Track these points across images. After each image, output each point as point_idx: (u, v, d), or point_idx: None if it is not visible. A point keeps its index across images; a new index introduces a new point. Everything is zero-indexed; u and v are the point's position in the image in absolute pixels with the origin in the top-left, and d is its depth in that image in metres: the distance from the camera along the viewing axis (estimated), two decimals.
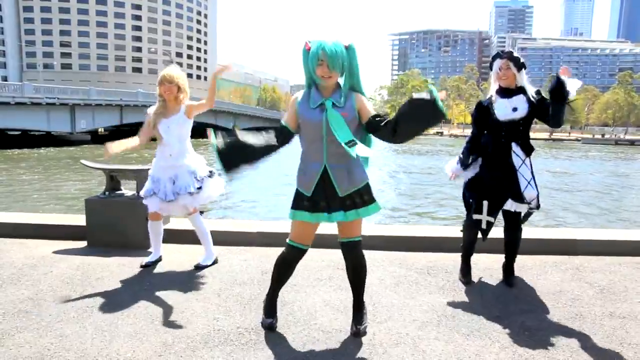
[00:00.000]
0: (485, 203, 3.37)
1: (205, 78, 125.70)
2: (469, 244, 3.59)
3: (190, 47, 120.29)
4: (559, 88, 3.01)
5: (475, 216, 3.42)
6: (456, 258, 4.10)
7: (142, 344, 2.54)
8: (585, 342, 2.64)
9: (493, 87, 3.44)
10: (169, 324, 2.79)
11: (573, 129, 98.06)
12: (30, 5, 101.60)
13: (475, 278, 3.64)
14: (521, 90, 3.32)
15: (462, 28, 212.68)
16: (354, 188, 2.53)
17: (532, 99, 3.28)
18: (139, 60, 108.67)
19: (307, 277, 3.56)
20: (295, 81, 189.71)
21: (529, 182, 3.32)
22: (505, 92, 3.34)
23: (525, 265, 3.91)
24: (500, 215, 3.44)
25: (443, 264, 3.94)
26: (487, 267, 3.88)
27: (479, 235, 3.50)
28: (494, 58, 3.39)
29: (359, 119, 2.51)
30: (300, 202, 2.58)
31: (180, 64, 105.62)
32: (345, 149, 2.39)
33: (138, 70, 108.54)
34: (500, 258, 3.99)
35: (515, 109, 3.28)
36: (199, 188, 3.66)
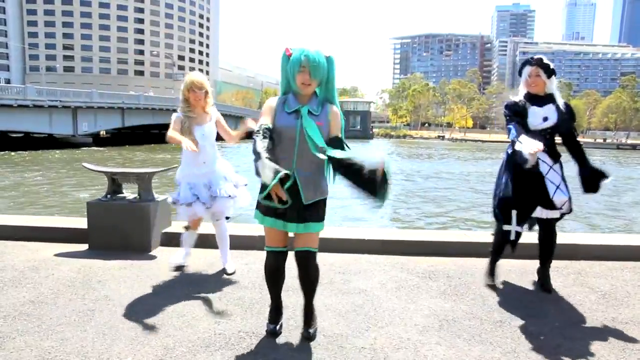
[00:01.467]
0: (513, 213, 3.35)
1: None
2: (498, 248, 3.56)
3: (192, 51, 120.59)
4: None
5: (505, 227, 3.40)
6: (457, 262, 4.10)
7: (143, 347, 2.54)
8: (588, 347, 2.63)
9: (522, 92, 3.42)
10: (170, 327, 2.79)
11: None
12: (34, 8, 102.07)
13: (477, 282, 3.63)
14: (551, 98, 3.32)
15: (464, 32, 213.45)
16: (317, 198, 2.52)
17: (562, 108, 3.30)
18: (142, 63, 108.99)
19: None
20: None
21: (558, 187, 3.30)
22: (536, 100, 3.32)
23: (527, 270, 3.90)
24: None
25: (444, 269, 3.94)
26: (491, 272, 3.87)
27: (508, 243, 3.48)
28: (524, 64, 3.39)
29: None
30: (260, 205, 2.54)
31: (182, 67, 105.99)
32: (316, 155, 2.36)
33: (140, 73, 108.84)
34: (503, 263, 3.98)
35: (545, 119, 3.29)
36: (235, 195, 3.68)
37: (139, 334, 2.69)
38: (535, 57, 3.37)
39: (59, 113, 37.65)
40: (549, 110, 3.29)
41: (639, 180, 24.69)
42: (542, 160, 3.32)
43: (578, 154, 3.36)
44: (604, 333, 2.82)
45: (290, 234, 2.65)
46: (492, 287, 3.53)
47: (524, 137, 3.08)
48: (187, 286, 3.47)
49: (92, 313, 2.96)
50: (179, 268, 3.79)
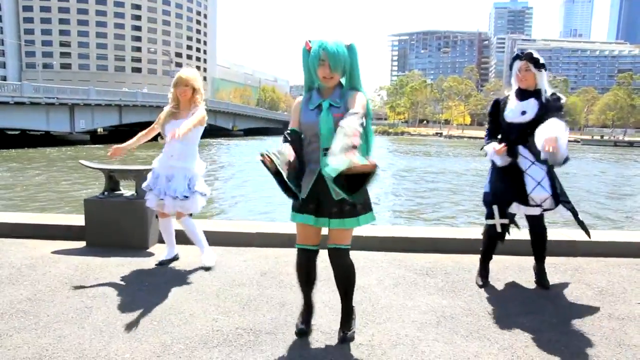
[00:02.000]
0: (495, 207, 3.37)
1: (205, 78, 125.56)
2: (486, 247, 3.58)
3: (189, 47, 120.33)
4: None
5: (489, 221, 3.42)
6: (455, 259, 4.11)
7: (140, 344, 2.54)
8: (584, 343, 2.64)
9: (513, 87, 3.42)
10: (167, 324, 2.78)
11: (572, 130, 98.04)
12: (30, 4, 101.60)
13: (474, 279, 3.64)
14: (536, 93, 3.28)
15: (462, 29, 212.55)
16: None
17: (544, 101, 3.23)
18: (139, 60, 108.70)
19: None
20: (295, 81, 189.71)
21: (538, 183, 3.26)
22: (521, 94, 3.32)
23: (525, 267, 3.91)
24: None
25: (442, 265, 3.94)
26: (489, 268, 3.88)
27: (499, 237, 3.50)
28: (514, 59, 3.36)
29: None
30: (294, 203, 2.54)
31: (180, 64, 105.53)
32: (322, 158, 2.30)
33: (137, 70, 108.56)
34: (500, 259, 4.00)
35: (523, 113, 3.26)
36: (186, 197, 3.64)
37: (136, 331, 2.69)
38: (525, 51, 3.35)
39: (56, 110, 37.53)
40: (529, 105, 3.25)
41: (636, 177, 24.76)
42: (524, 156, 3.30)
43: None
44: (601, 329, 2.83)
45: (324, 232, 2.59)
46: (487, 285, 3.53)
47: (487, 145, 3.35)
48: (185, 283, 3.47)
49: (89, 310, 2.96)
50: (161, 264, 3.84)
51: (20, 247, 4.25)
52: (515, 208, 3.34)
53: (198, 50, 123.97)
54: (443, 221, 10.92)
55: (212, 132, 51.76)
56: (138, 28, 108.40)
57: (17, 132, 39.92)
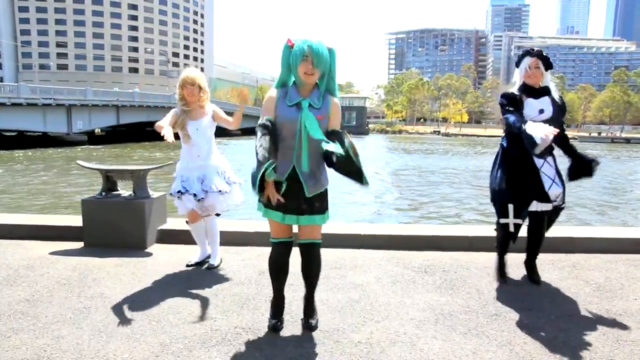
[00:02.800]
0: (510, 207, 3.36)
1: None
2: (502, 243, 3.56)
3: (187, 47, 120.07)
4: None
5: (502, 220, 3.42)
6: (453, 256, 4.11)
7: (139, 344, 2.54)
8: (582, 339, 2.65)
9: (517, 83, 3.42)
10: (166, 324, 2.78)
11: (569, 127, 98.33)
12: (26, 5, 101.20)
13: (472, 276, 3.64)
14: (546, 91, 3.31)
15: (459, 27, 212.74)
16: (319, 190, 2.55)
17: (557, 101, 3.30)
18: (136, 60, 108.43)
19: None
20: None
21: (553, 180, 3.32)
22: (531, 92, 3.32)
23: (522, 263, 3.92)
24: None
25: (440, 263, 3.95)
26: (484, 265, 3.89)
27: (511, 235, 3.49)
28: (524, 55, 3.37)
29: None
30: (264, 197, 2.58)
31: (177, 64, 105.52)
32: (319, 145, 2.39)
33: (135, 70, 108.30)
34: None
35: (541, 111, 3.28)
36: (226, 191, 3.69)
37: (135, 331, 2.69)
38: (536, 48, 3.37)
39: (53, 111, 37.43)
40: (545, 103, 3.29)
41: (633, 173, 24.82)
42: (536, 155, 3.31)
43: (566, 146, 3.36)
44: (599, 325, 2.84)
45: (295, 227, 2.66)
46: (506, 281, 3.52)
47: (532, 123, 3.05)
48: (183, 283, 3.46)
49: (87, 311, 2.95)
50: (194, 265, 3.86)
51: (18, 248, 4.24)
52: (534, 205, 3.35)
53: (195, 49, 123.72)
54: (441, 219, 10.94)
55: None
56: (135, 28, 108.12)
57: (14, 134, 39.80)
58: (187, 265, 3.84)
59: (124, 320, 2.82)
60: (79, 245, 4.35)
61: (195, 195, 3.62)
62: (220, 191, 3.65)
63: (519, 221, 3.38)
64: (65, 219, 5.14)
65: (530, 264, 3.62)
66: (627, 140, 66.71)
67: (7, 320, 2.82)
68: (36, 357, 2.39)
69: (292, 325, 2.77)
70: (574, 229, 5.19)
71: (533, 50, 3.35)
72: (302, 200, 2.52)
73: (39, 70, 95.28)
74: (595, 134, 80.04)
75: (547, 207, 3.35)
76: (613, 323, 2.86)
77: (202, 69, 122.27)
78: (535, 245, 3.56)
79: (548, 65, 3.31)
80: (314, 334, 2.67)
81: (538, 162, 3.33)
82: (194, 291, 3.30)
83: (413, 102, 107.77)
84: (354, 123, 79.92)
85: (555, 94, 3.34)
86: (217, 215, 3.91)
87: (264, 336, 2.64)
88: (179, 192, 3.66)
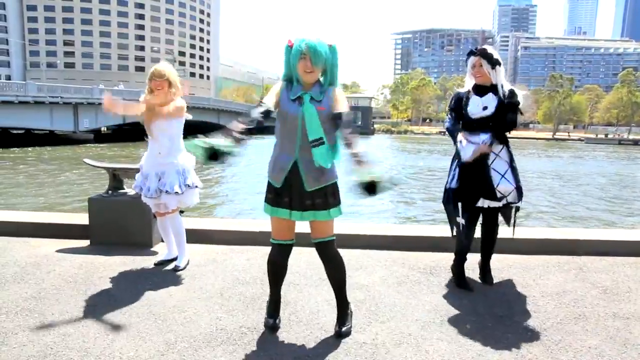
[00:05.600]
0: (459, 204, 3.36)
1: (208, 77, 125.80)
2: (458, 246, 3.53)
3: (193, 47, 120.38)
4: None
5: (458, 219, 3.41)
6: None
7: (144, 343, 2.54)
8: (589, 342, 2.63)
9: (469, 82, 3.44)
10: (171, 323, 2.79)
11: (576, 129, 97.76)
12: (34, 4, 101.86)
13: (478, 278, 3.62)
14: (493, 88, 3.31)
15: (466, 27, 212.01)
16: (320, 185, 2.50)
17: (501, 96, 3.27)
18: (142, 59, 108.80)
19: (309, 276, 3.56)
20: None
21: (503, 176, 3.28)
22: (479, 90, 3.35)
23: (528, 266, 3.90)
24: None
25: (446, 264, 3.93)
26: (491, 267, 3.86)
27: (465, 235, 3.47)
28: (469, 55, 3.40)
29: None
30: (268, 195, 2.61)
31: (183, 63, 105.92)
32: (312, 150, 2.40)
33: (141, 69, 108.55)
34: (504, 258, 3.99)
35: (485, 108, 3.29)
36: (181, 192, 3.62)
37: (140, 329, 2.70)
38: (479, 47, 3.38)
39: (59, 109, 37.66)
40: (489, 100, 3.28)
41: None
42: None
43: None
44: (606, 328, 2.82)
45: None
46: (466, 285, 3.45)
47: (464, 140, 3.29)
48: (189, 282, 3.47)
49: (93, 309, 2.97)
50: (159, 264, 3.82)
51: (24, 245, 4.26)
52: (481, 202, 3.34)
53: (201, 49, 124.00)
54: (446, 220, 10.88)
55: (215, 130, 51.68)
56: (142, 27, 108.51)
57: (21, 132, 40.08)
58: (155, 264, 3.81)
59: (130, 319, 2.83)
60: (85, 243, 4.37)
61: (149, 192, 3.62)
62: (176, 192, 3.59)
63: (462, 220, 3.35)
64: (72, 217, 5.17)
65: (483, 265, 3.60)
66: (635, 142, 66.22)
67: (14, 317, 2.84)
68: (42, 355, 2.41)
69: (297, 325, 2.77)
70: (578, 230, 5.17)
71: (477, 49, 3.36)
72: (304, 196, 2.51)
73: (47, 68, 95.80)
74: (602, 136, 79.53)
75: (496, 203, 3.31)
76: (620, 327, 2.84)
77: (207, 68, 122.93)
78: (489, 244, 3.54)
79: (494, 63, 3.27)
80: (319, 334, 2.67)
81: (490, 157, 3.30)
82: (199, 290, 3.31)
83: (418, 102, 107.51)
84: (359, 123, 79.79)
85: (504, 88, 3.28)
86: (181, 212, 3.87)
87: (269, 336, 2.64)
88: (138, 188, 3.75)
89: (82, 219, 4.67)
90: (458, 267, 3.51)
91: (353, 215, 10.38)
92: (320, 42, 2.43)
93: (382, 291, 3.34)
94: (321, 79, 2.53)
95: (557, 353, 2.51)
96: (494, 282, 3.55)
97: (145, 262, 3.90)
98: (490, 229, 3.52)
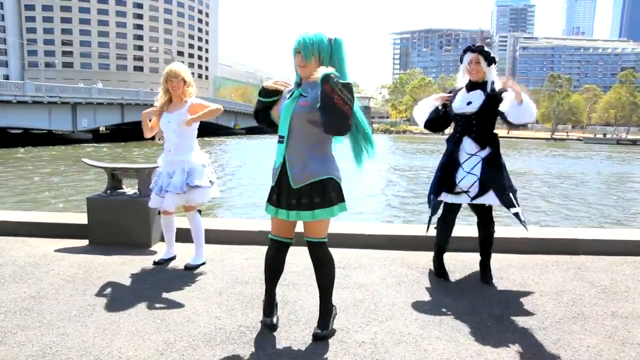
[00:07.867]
0: (431, 197, 3.48)
1: (207, 77, 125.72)
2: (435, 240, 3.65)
3: (191, 46, 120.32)
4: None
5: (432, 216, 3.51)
6: (458, 257, 4.10)
7: (143, 342, 2.54)
8: (587, 341, 2.64)
9: (462, 80, 3.45)
10: (170, 322, 2.79)
11: (574, 128, 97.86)
12: (32, 3, 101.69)
13: (477, 277, 3.63)
14: (483, 85, 3.32)
15: (464, 27, 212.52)
16: (307, 182, 2.44)
17: (489, 92, 3.27)
18: (141, 59, 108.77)
19: (308, 276, 3.56)
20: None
21: (468, 172, 3.29)
22: (470, 86, 3.37)
23: (527, 265, 3.91)
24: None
25: (445, 264, 3.93)
26: (491, 266, 3.87)
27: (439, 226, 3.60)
28: (465, 51, 3.42)
29: None
30: (269, 193, 2.63)
31: (182, 63, 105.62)
32: (305, 132, 2.42)
33: (139, 69, 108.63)
34: (503, 257, 4.00)
35: (469, 103, 3.31)
36: (184, 191, 3.61)
37: (139, 328, 2.70)
38: (477, 44, 3.40)
39: (58, 109, 37.59)
40: (475, 95, 3.30)
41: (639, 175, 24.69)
42: (464, 149, 3.35)
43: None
44: (604, 327, 2.82)
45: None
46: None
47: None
48: (188, 281, 3.47)
49: (92, 308, 2.97)
50: (158, 264, 3.82)
51: (23, 245, 4.26)
52: (443, 197, 3.39)
53: (200, 48, 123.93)
54: None
55: (213, 130, 51.72)
56: (140, 27, 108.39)
57: (19, 131, 40.01)
58: (154, 263, 3.81)
59: (129, 318, 2.83)
60: (84, 242, 4.36)
61: (160, 191, 3.66)
62: (177, 193, 3.60)
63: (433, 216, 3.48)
64: (71, 216, 5.16)
65: (482, 264, 3.62)
66: (633, 142, 66.32)
67: (12, 316, 2.83)
68: (42, 354, 2.40)
69: (296, 325, 2.77)
70: (577, 230, 5.18)
71: (474, 45, 3.39)
72: (290, 195, 2.47)
73: (45, 68, 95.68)
74: (601, 135, 79.67)
75: (460, 199, 3.33)
76: (619, 326, 2.85)
77: (206, 68, 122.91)
78: (482, 243, 3.56)
79: (491, 61, 3.30)
80: None
81: (462, 157, 3.35)
82: (199, 289, 3.31)
83: (417, 102, 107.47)
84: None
85: (494, 85, 3.30)
86: (199, 212, 3.88)
87: (268, 335, 2.64)
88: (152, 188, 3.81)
89: (81, 218, 4.66)
90: (437, 259, 3.65)
91: (352, 215, 10.38)
92: (317, 35, 2.41)
93: (381, 290, 3.34)
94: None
95: (556, 352, 2.51)
96: (493, 281, 3.55)
97: (144, 261, 3.90)
98: (484, 227, 3.53)
